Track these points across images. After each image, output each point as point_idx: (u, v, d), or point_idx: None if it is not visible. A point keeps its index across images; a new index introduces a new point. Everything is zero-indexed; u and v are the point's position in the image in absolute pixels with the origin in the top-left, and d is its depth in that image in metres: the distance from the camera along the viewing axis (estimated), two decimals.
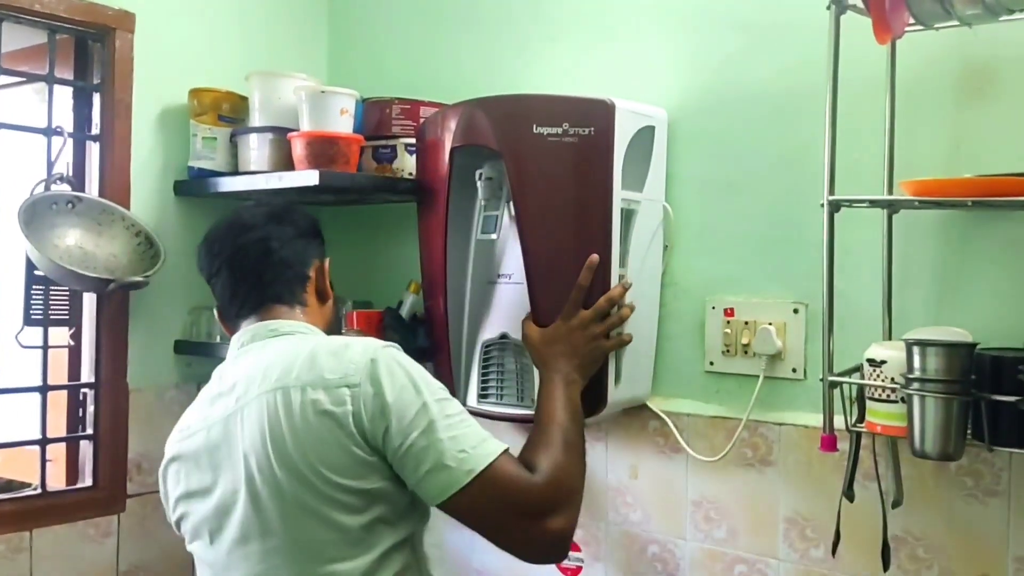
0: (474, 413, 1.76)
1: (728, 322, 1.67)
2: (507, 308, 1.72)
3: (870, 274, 1.48)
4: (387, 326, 2.00)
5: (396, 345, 1.31)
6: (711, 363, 1.70)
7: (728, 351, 1.67)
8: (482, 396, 1.76)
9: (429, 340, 1.87)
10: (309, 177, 1.78)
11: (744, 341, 1.65)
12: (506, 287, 1.72)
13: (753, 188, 1.66)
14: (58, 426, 2.00)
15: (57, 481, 1.99)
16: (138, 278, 1.82)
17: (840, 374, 1.33)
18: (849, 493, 1.39)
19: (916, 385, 1.15)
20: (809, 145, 1.53)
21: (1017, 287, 1.38)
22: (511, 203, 1.66)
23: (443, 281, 1.75)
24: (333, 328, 1.54)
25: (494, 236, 1.72)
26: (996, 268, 1.40)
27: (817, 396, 1.41)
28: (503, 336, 1.72)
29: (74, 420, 2.01)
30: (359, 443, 1.19)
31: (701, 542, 1.69)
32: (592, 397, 1.63)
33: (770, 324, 1.61)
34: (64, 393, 2.00)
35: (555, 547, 1.29)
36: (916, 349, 1.15)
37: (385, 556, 1.23)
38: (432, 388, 1.26)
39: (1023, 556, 1.37)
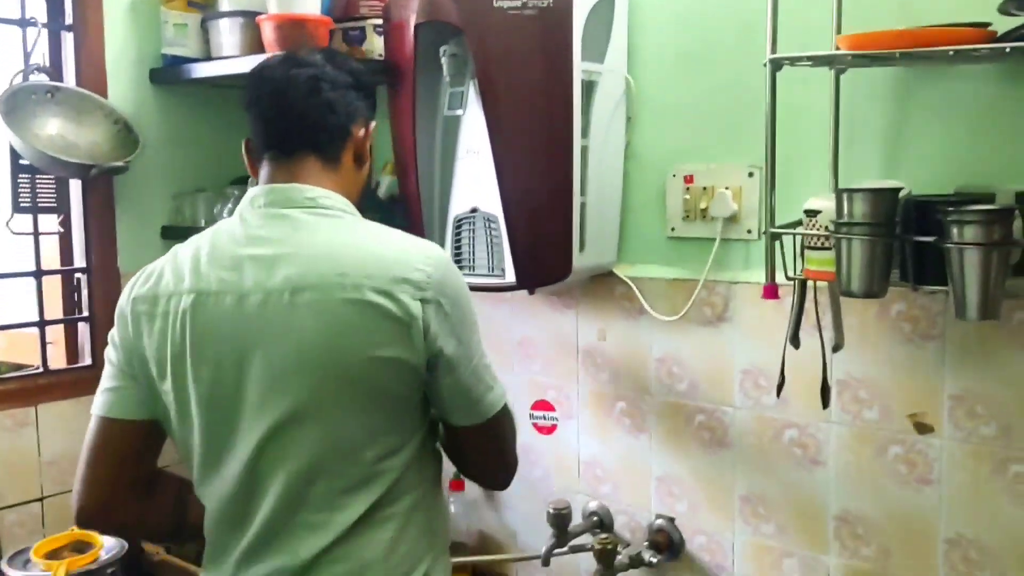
0: None
1: (688, 189, 1.74)
2: (475, 182, 1.78)
3: (819, 135, 1.54)
4: (365, 207, 2.07)
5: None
6: (672, 229, 1.78)
7: (688, 216, 1.75)
8: None
9: (405, 219, 1.94)
10: None
11: (703, 206, 1.72)
12: (474, 162, 1.78)
13: (711, 57, 1.70)
14: (55, 311, 2.09)
15: (59, 363, 2.10)
16: (119, 163, 1.89)
17: (783, 227, 1.40)
18: (794, 340, 1.48)
19: (844, 229, 1.23)
20: (763, 12, 1.56)
21: (955, 140, 1.44)
22: (476, 79, 1.71)
23: (413, 160, 1.81)
24: (363, 198, 1.39)
25: (460, 112, 1.77)
26: (936, 123, 1.46)
27: None
28: (473, 210, 1.79)
29: (70, 304, 2.10)
30: (419, 354, 1.16)
31: (665, 396, 1.80)
32: (557, 263, 1.72)
33: (726, 188, 1.68)
34: (59, 280, 2.09)
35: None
36: (844, 196, 1.23)
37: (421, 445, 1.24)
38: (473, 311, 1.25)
39: (956, 394, 1.47)
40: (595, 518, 1.92)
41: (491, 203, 1.75)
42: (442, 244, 1.85)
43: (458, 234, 1.83)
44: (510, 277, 1.75)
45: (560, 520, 1.82)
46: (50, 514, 1.98)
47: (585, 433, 1.94)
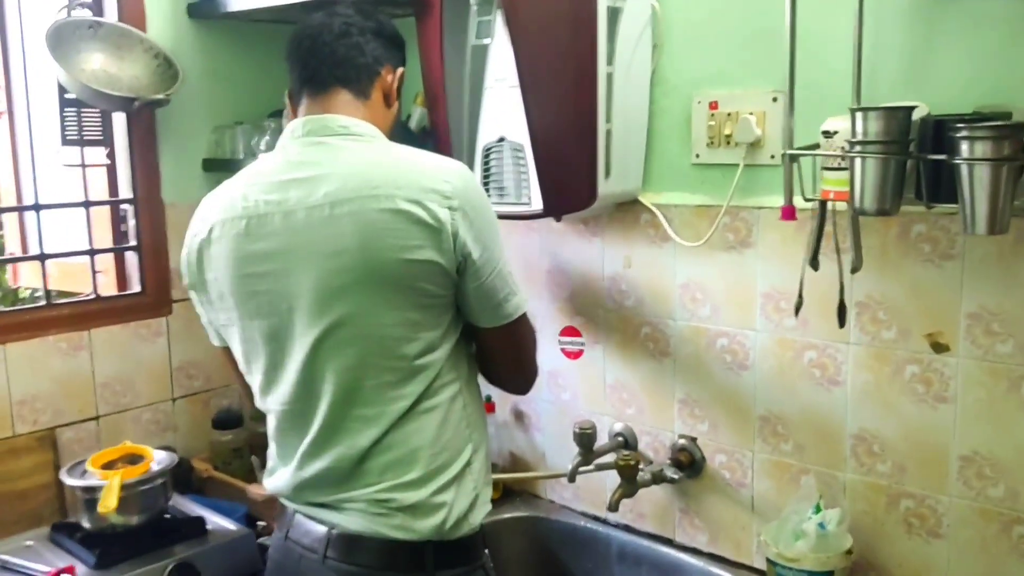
0: None
1: (712, 115, 1.76)
2: (503, 111, 1.81)
3: (844, 59, 1.54)
4: (397, 139, 2.11)
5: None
6: (697, 155, 1.80)
7: (712, 143, 1.77)
8: None
9: (436, 150, 1.99)
10: None
11: (727, 132, 1.74)
12: (501, 91, 1.81)
13: None
14: (104, 240, 2.19)
15: (110, 291, 2.20)
16: (160, 96, 1.95)
17: (801, 148, 1.42)
18: (813, 262, 1.51)
19: (858, 148, 1.25)
20: None
21: (979, 61, 1.44)
22: (502, 7, 1.73)
23: (442, 90, 1.85)
24: (395, 131, 1.53)
25: (488, 41, 1.80)
26: (961, 44, 1.45)
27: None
28: (500, 139, 1.83)
29: (119, 234, 2.20)
30: (449, 258, 1.28)
31: (688, 320, 1.85)
32: (583, 191, 1.76)
33: (751, 114, 1.70)
34: (107, 212, 2.18)
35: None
36: (859, 115, 1.25)
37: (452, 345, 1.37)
38: (496, 222, 1.38)
39: (973, 312, 1.50)
40: (620, 438, 1.99)
41: (518, 132, 1.79)
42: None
43: (487, 163, 1.87)
44: (536, 205, 1.79)
45: (585, 439, 1.89)
46: (104, 431, 2.11)
47: (611, 357, 2.00)
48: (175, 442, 2.21)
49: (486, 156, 1.87)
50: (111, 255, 2.20)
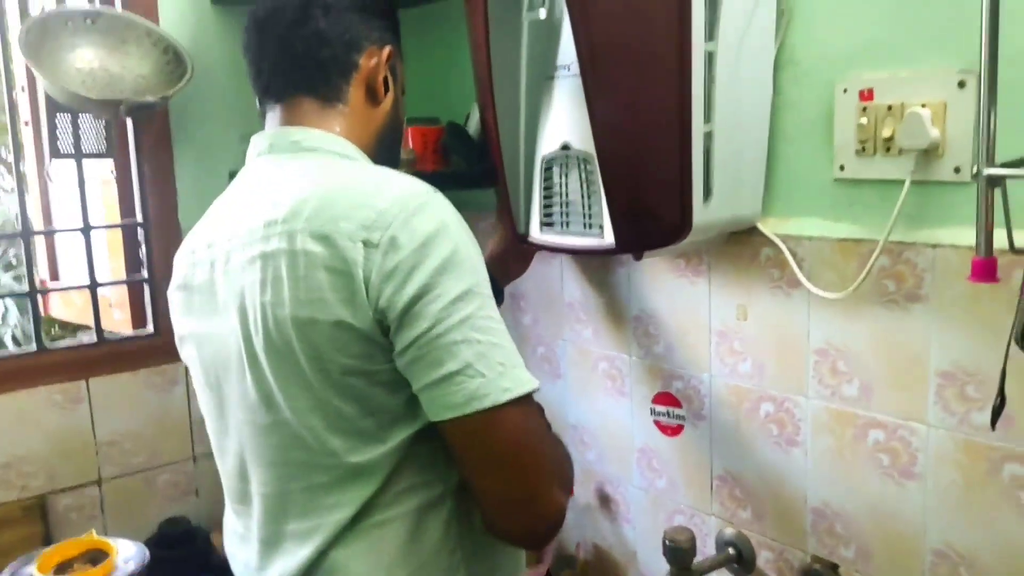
0: (538, 246, 1.47)
1: (865, 108, 1.21)
2: (569, 110, 1.34)
3: None
4: (447, 145, 1.67)
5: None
6: (841, 167, 1.25)
7: (864, 149, 1.22)
8: (546, 224, 1.41)
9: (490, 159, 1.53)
10: None
11: (886, 133, 1.18)
12: (567, 81, 1.34)
13: None
14: (119, 269, 1.87)
15: (124, 327, 1.88)
16: (151, 98, 1.58)
17: (1009, 165, 0.87)
18: (1022, 340, 0.95)
19: None
20: None
21: None
22: None
23: (488, 80, 1.39)
24: (391, 144, 1.14)
25: (542, 13, 1.32)
26: None
27: None
28: (564, 146, 1.35)
29: (134, 262, 1.87)
30: (364, 316, 0.89)
31: (827, 400, 1.30)
32: (671, 218, 1.25)
33: (923, 106, 1.14)
34: (121, 236, 1.86)
35: (556, 526, 0.95)
36: None
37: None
38: (483, 273, 0.94)
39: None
40: (731, 551, 1.46)
41: (588, 137, 1.30)
42: (528, 193, 1.43)
43: (547, 181, 1.40)
44: (609, 237, 1.30)
45: (679, 556, 1.38)
46: (110, 497, 1.78)
47: (721, 439, 1.47)
48: (196, 510, 1.86)
49: (547, 171, 1.39)
50: (126, 288, 1.87)
